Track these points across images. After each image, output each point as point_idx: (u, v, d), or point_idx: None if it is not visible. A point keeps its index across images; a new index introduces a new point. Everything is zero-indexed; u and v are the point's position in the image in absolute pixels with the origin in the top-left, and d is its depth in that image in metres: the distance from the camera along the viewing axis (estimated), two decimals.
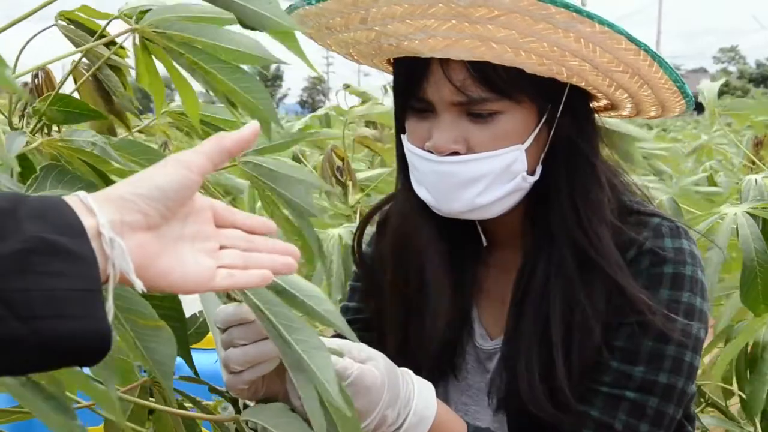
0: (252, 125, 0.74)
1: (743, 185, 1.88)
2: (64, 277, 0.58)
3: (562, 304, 1.14)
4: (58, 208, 0.61)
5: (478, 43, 1.05)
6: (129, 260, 0.63)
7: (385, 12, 1.07)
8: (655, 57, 1.08)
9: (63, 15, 1.17)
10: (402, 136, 1.19)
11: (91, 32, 1.16)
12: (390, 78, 1.24)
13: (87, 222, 0.62)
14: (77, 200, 0.63)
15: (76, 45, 1.14)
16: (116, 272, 0.63)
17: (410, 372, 1.04)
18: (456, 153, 1.11)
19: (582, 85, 1.13)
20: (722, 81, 2.22)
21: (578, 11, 1.01)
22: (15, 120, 1.20)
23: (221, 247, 0.74)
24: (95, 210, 0.63)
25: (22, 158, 1.00)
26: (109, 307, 0.61)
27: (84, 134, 0.97)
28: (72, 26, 1.17)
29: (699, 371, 2.02)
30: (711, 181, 3.15)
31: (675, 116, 1.28)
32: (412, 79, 1.12)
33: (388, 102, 2.76)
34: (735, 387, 1.82)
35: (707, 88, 2.17)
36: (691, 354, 1.14)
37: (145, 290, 0.65)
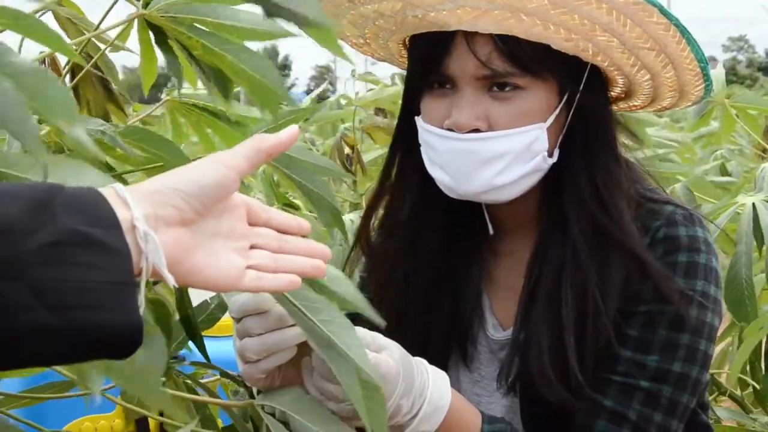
0: (290, 129, 0.75)
1: (758, 174, 1.87)
2: (96, 269, 0.58)
3: (574, 287, 1.12)
4: (94, 200, 0.61)
5: (507, 14, 1.05)
6: (162, 255, 0.63)
7: None
8: (684, 32, 1.08)
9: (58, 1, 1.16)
10: (416, 118, 1.17)
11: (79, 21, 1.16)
12: (397, 70, 1.23)
13: (121, 215, 0.62)
14: (113, 192, 0.63)
15: (78, 32, 1.13)
16: (149, 266, 0.63)
17: (424, 361, 1.04)
18: (476, 131, 1.10)
19: (605, 64, 1.12)
20: (720, 66, 2.21)
21: None
22: None
23: (252, 246, 0.74)
24: (130, 203, 0.63)
25: None
26: (141, 301, 0.61)
27: (92, 122, 0.97)
28: (66, 12, 1.16)
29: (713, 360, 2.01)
30: (723, 170, 3.12)
31: (687, 106, 1.27)
32: (433, 54, 1.11)
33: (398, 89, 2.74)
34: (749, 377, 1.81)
35: (714, 76, 2.15)
36: (706, 343, 1.13)
37: (177, 285, 0.65)
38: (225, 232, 0.71)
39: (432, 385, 1.01)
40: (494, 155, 1.10)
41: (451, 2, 1.05)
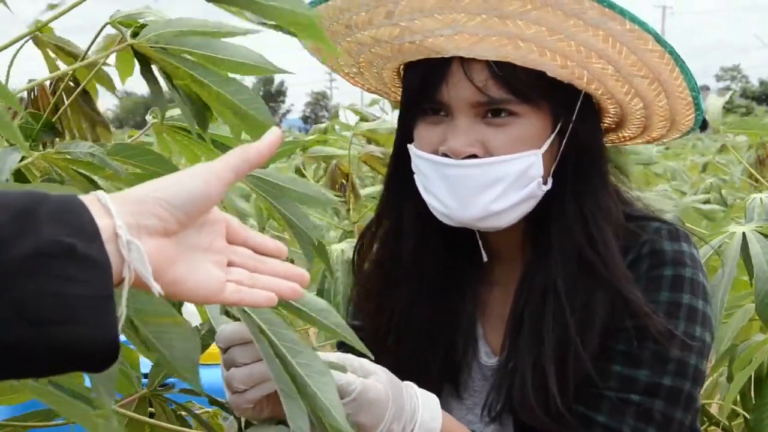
0: (272, 133, 0.74)
1: (748, 204, 1.87)
2: (76, 282, 0.58)
3: (556, 317, 1.12)
4: (76, 210, 0.61)
5: (504, 41, 1.06)
6: (147, 263, 0.63)
7: (414, 5, 1.06)
8: (677, 60, 1.09)
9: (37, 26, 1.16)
10: (409, 146, 1.17)
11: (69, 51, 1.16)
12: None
13: (102, 223, 0.61)
14: (95, 199, 0.63)
15: (66, 56, 1.13)
16: (131, 275, 0.62)
17: (413, 385, 1.04)
18: (472, 156, 1.10)
19: (599, 92, 1.13)
20: (727, 97, 2.21)
21: (611, 6, 1.03)
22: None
23: (229, 264, 0.73)
24: (112, 211, 0.62)
25: (17, 173, 0.99)
26: (122, 311, 0.61)
27: (80, 146, 0.97)
28: (52, 38, 1.16)
29: (702, 390, 2.01)
30: (717, 201, 3.15)
31: (674, 138, 1.27)
32: (429, 81, 1.12)
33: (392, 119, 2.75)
34: (740, 407, 1.80)
35: (712, 105, 2.16)
36: (696, 357, 1.12)
37: (162, 294, 0.65)
38: (205, 246, 0.71)
39: (422, 408, 1.01)
40: (491, 180, 1.10)
41: (449, 28, 1.06)
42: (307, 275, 0.77)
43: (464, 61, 1.09)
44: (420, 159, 1.15)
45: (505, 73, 1.08)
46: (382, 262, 1.27)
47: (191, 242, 0.69)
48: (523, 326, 1.16)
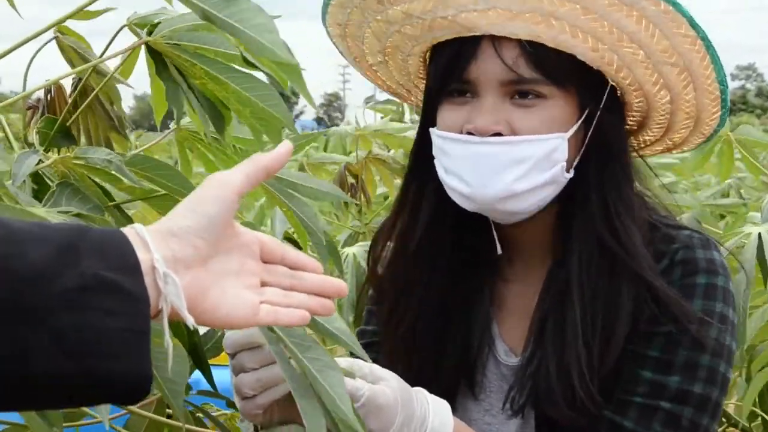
0: (285, 144, 0.75)
1: (763, 204, 1.86)
2: (115, 316, 0.59)
3: (582, 312, 1.12)
4: (116, 244, 0.63)
5: (538, 17, 1.06)
6: (182, 296, 0.64)
7: None
8: (709, 48, 1.09)
9: (62, 30, 1.17)
10: (431, 129, 1.16)
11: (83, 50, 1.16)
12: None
13: (142, 256, 0.63)
14: (133, 233, 0.64)
15: (82, 60, 1.14)
16: (168, 308, 0.64)
17: (424, 391, 1.03)
18: (497, 135, 1.10)
19: (627, 82, 1.13)
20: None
21: None
22: (31, 136, 1.19)
23: (263, 284, 0.75)
24: (150, 244, 0.64)
25: (35, 175, 1.00)
26: (168, 342, 0.63)
27: (99, 152, 0.97)
28: (70, 40, 1.17)
29: None
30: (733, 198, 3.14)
31: (700, 143, 1.26)
32: (458, 58, 1.11)
33: (409, 121, 2.73)
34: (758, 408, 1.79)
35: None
36: (725, 365, 1.12)
37: (196, 326, 0.67)
38: (236, 269, 0.72)
39: (433, 413, 1.01)
40: (515, 159, 1.09)
41: (483, 2, 1.06)
42: (345, 285, 0.78)
43: (495, 39, 1.08)
44: (442, 139, 1.14)
45: (536, 52, 1.08)
46: (397, 260, 1.27)
47: (222, 268, 0.70)
48: (547, 323, 1.15)
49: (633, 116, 1.21)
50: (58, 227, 0.62)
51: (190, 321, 0.65)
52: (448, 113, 1.14)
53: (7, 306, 0.57)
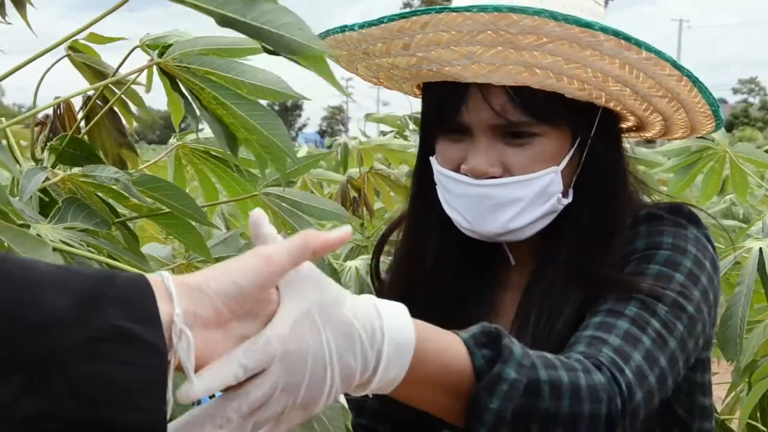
0: (343, 229, 0.72)
1: (765, 219, 1.87)
2: (132, 366, 0.59)
3: (552, 318, 1.13)
4: (140, 294, 0.62)
5: (521, 68, 1.07)
6: (192, 356, 0.64)
7: (430, 38, 1.08)
8: (696, 82, 1.10)
9: (73, 46, 1.18)
10: (431, 158, 1.19)
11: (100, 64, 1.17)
12: (412, 106, 1.24)
13: (164, 308, 0.63)
14: (159, 282, 0.64)
15: (94, 76, 1.14)
16: (175, 362, 0.63)
17: (370, 300, 0.77)
18: (492, 176, 1.11)
19: (618, 109, 1.15)
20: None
21: (627, 39, 1.04)
22: (37, 152, 1.20)
23: None
24: (174, 296, 0.63)
25: (42, 191, 1.01)
26: (170, 396, 0.62)
27: (106, 170, 0.98)
28: (82, 57, 1.17)
29: (722, 406, 2.00)
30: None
31: (699, 137, 1.29)
32: (448, 103, 1.13)
33: (412, 137, 2.73)
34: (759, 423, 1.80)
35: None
36: (699, 293, 1.08)
37: (198, 392, 0.65)
38: (252, 334, 0.69)
39: (387, 326, 0.76)
40: (510, 200, 1.12)
41: (466, 58, 1.07)
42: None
43: (482, 86, 1.10)
44: (442, 175, 1.16)
45: (523, 97, 1.09)
46: (400, 270, 1.28)
47: (242, 333, 0.69)
48: (524, 331, 1.16)
49: (630, 123, 1.23)
50: (83, 273, 0.61)
51: (194, 382, 0.64)
52: (445, 148, 1.16)
53: (16, 353, 0.56)
